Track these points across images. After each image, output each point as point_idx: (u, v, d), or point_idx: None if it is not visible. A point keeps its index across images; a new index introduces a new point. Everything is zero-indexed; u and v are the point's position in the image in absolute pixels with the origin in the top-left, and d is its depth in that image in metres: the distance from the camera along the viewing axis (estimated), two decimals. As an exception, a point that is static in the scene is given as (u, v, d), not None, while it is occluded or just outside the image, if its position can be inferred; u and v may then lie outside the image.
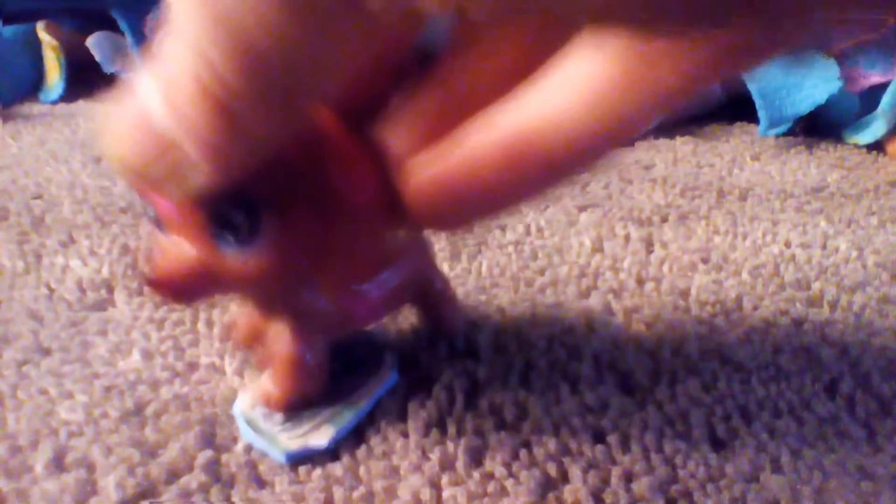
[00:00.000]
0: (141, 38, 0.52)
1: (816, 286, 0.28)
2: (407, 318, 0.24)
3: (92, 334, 0.23)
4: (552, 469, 0.19)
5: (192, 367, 0.22)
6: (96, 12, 0.54)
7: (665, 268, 0.29)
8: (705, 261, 0.30)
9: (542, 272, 0.29)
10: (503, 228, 0.32)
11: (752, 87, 0.46)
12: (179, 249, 0.15)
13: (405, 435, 0.20)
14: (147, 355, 0.22)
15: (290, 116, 0.11)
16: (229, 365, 0.22)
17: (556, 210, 0.34)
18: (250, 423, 0.19)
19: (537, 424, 0.20)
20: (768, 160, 0.44)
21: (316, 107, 0.14)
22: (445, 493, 0.18)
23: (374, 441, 0.19)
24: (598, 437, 0.20)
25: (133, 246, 0.29)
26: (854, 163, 0.44)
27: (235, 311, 0.24)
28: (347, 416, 0.19)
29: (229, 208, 0.15)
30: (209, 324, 0.24)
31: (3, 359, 0.22)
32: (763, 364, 0.23)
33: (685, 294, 0.27)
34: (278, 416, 0.19)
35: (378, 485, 0.18)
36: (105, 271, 0.27)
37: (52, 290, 0.26)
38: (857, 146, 0.46)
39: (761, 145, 0.47)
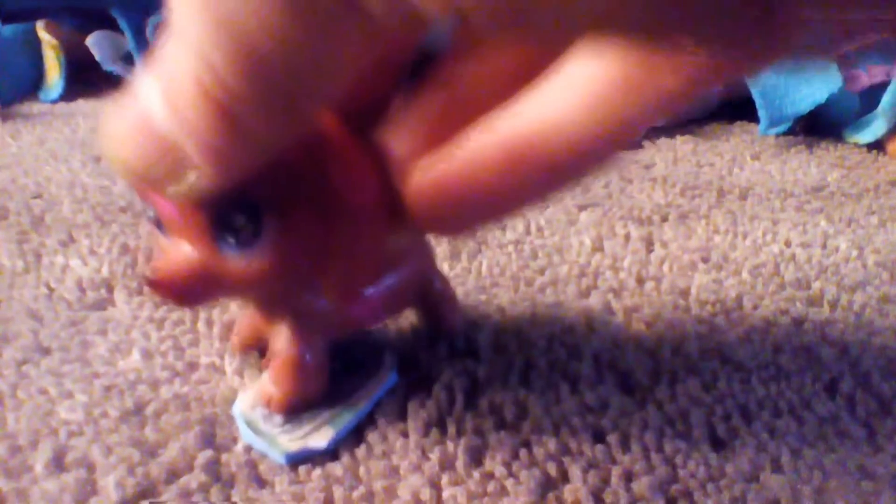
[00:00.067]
0: (140, 37, 0.52)
1: (816, 285, 0.28)
2: (407, 318, 0.24)
3: (92, 334, 0.23)
4: (552, 469, 0.19)
5: (192, 366, 0.22)
6: (96, 11, 0.54)
7: (665, 267, 0.29)
8: (705, 260, 0.30)
9: (542, 271, 0.29)
10: (503, 228, 0.32)
11: (753, 87, 0.46)
12: (180, 251, 0.15)
13: (405, 435, 0.20)
14: (147, 355, 0.22)
15: (292, 120, 0.11)
16: (229, 365, 0.22)
17: (556, 209, 0.34)
18: (250, 424, 0.19)
19: (537, 424, 0.20)
20: (768, 159, 0.44)
21: (318, 110, 0.14)
22: (445, 493, 0.18)
23: (374, 441, 0.19)
24: (598, 437, 0.20)
25: (133, 245, 0.29)
26: (854, 162, 0.44)
27: (235, 310, 0.24)
28: (347, 418, 0.19)
29: (231, 210, 0.15)
30: (209, 323, 0.24)
31: (2, 358, 0.22)
32: (763, 363, 0.23)
33: (685, 293, 0.27)
34: (278, 418, 0.19)
35: (378, 484, 0.18)
36: (105, 271, 0.27)
37: (51, 290, 0.26)
38: (857, 145, 0.46)
39: (761, 144, 0.47)
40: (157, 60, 0.11)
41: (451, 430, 0.20)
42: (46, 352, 0.23)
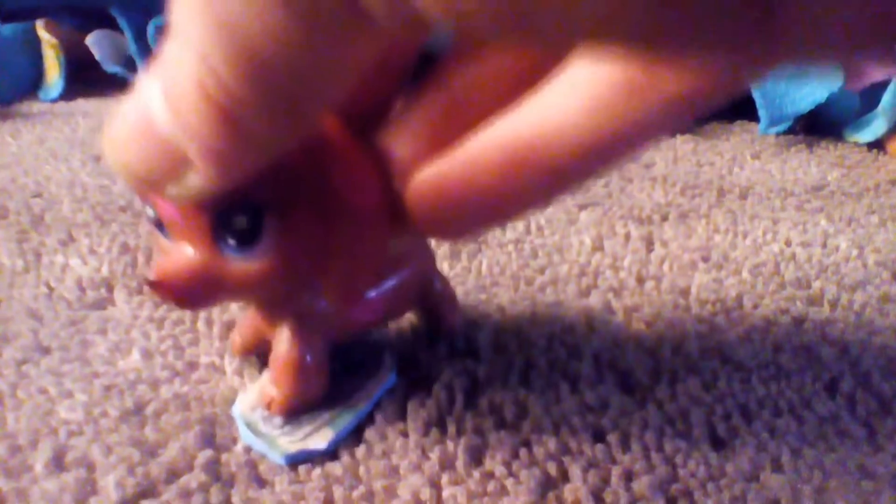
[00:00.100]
0: (140, 36, 0.52)
1: (817, 285, 0.28)
2: (407, 317, 0.24)
3: (91, 333, 0.23)
4: (552, 468, 0.19)
5: (192, 366, 0.22)
6: (96, 10, 0.54)
7: (665, 266, 0.29)
8: (705, 259, 0.30)
9: (542, 271, 0.29)
10: (503, 227, 0.32)
11: (753, 86, 0.46)
12: (182, 253, 0.15)
13: (405, 434, 0.20)
14: (147, 354, 0.22)
15: (293, 122, 0.11)
16: (229, 364, 0.22)
17: (556, 209, 0.34)
18: (250, 425, 0.19)
19: (537, 423, 0.20)
20: (769, 158, 0.44)
21: (320, 113, 0.14)
22: (445, 493, 0.18)
23: (374, 440, 0.19)
24: (598, 436, 0.20)
25: (133, 245, 0.29)
26: (854, 161, 0.44)
27: (236, 310, 0.24)
28: (347, 419, 0.19)
29: (232, 212, 0.15)
30: (209, 323, 0.24)
31: (2, 358, 0.22)
32: (763, 363, 0.23)
33: (685, 293, 0.27)
34: (277, 419, 0.19)
35: (378, 484, 0.18)
36: (105, 270, 0.27)
37: (51, 289, 0.26)
38: (857, 144, 0.46)
39: (762, 144, 0.47)
40: (158, 62, 0.11)
41: (451, 429, 0.20)
42: (46, 351, 0.23)
